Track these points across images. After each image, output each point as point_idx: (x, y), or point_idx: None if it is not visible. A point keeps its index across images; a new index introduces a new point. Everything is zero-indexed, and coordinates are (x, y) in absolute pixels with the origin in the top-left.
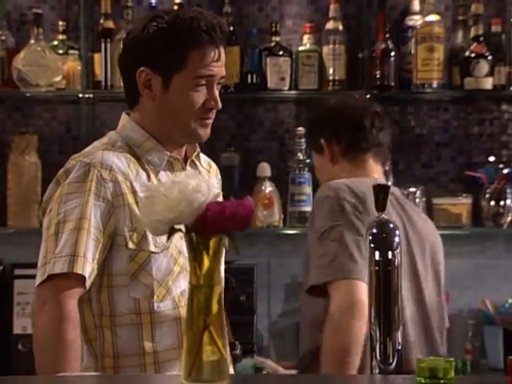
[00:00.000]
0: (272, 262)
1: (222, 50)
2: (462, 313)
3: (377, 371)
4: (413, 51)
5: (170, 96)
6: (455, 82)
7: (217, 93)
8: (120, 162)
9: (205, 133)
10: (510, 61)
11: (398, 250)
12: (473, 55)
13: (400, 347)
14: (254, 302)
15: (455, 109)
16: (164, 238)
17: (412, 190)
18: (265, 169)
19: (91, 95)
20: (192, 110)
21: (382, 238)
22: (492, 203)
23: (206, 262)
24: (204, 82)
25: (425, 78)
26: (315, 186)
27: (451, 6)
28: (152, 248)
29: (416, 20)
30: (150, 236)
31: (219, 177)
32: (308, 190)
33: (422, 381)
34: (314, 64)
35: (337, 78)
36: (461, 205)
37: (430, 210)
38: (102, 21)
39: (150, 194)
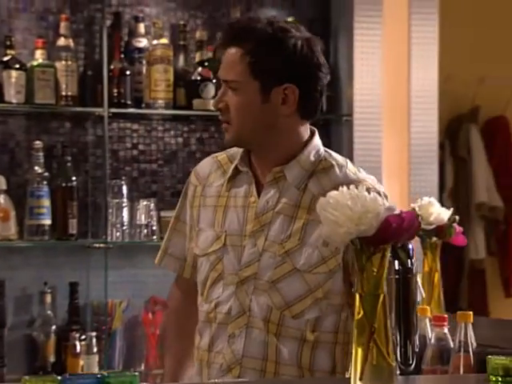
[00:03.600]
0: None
1: (227, 52)
2: None
3: (398, 372)
4: (144, 72)
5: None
6: (180, 102)
7: (219, 93)
8: (206, 167)
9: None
10: None
11: (414, 258)
12: (199, 78)
13: (418, 349)
14: (4, 315)
15: (179, 128)
16: (204, 242)
17: (145, 203)
18: (0, 182)
19: None
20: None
21: (399, 248)
22: None
23: (372, 272)
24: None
25: (156, 97)
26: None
27: (170, 32)
28: (197, 251)
29: (143, 42)
30: (199, 240)
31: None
32: (47, 202)
33: (494, 379)
34: (49, 79)
35: (70, 93)
36: None
37: (159, 223)
38: None
39: (331, 207)
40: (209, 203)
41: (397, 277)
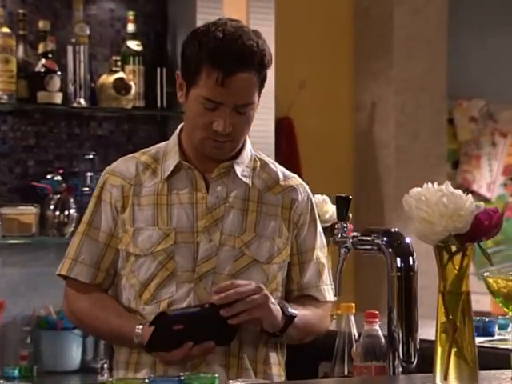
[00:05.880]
0: None
1: (236, 77)
2: (16, 320)
3: (400, 370)
4: None
5: (187, 106)
6: (21, 94)
7: (229, 117)
8: (129, 168)
9: (217, 152)
10: (74, 78)
11: (415, 256)
12: (43, 70)
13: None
14: None
15: (18, 121)
16: (147, 241)
17: None
18: None
19: None
20: (196, 127)
21: (399, 245)
22: (57, 213)
23: (455, 269)
24: (212, 106)
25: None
26: None
27: (8, 21)
28: (137, 251)
29: None
30: (137, 239)
31: (295, 197)
32: None
33: None
34: None
35: None
36: (29, 214)
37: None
38: None
39: (425, 205)
40: (145, 202)
41: (399, 274)
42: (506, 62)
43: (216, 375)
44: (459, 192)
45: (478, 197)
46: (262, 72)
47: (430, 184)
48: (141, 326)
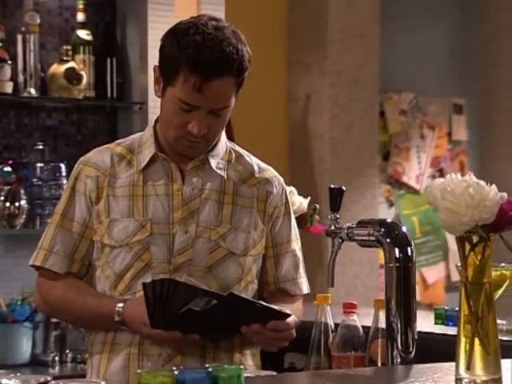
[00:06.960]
0: None
1: (214, 83)
2: None
3: (399, 360)
4: None
5: (163, 103)
6: None
7: (204, 120)
8: (104, 158)
9: (191, 151)
10: (24, 67)
11: (413, 246)
12: None
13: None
14: None
15: None
16: (123, 232)
17: None
18: None
19: None
20: (170, 126)
21: (396, 235)
22: (7, 204)
23: (477, 260)
24: (188, 108)
25: None
26: None
27: None
28: (112, 242)
29: None
30: (112, 230)
31: (270, 189)
32: None
33: None
34: None
35: None
36: None
37: None
38: None
39: (451, 195)
40: (120, 193)
41: (397, 265)
42: (434, 56)
43: (241, 367)
44: (483, 183)
45: (407, 188)
46: (241, 76)
47: (453, 175)
48: (121, 304)
